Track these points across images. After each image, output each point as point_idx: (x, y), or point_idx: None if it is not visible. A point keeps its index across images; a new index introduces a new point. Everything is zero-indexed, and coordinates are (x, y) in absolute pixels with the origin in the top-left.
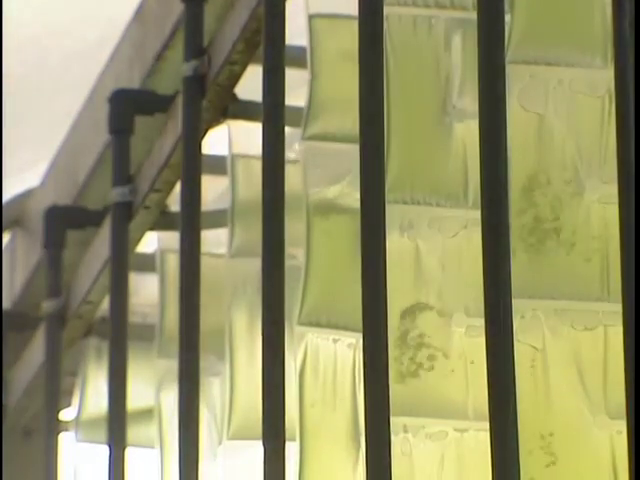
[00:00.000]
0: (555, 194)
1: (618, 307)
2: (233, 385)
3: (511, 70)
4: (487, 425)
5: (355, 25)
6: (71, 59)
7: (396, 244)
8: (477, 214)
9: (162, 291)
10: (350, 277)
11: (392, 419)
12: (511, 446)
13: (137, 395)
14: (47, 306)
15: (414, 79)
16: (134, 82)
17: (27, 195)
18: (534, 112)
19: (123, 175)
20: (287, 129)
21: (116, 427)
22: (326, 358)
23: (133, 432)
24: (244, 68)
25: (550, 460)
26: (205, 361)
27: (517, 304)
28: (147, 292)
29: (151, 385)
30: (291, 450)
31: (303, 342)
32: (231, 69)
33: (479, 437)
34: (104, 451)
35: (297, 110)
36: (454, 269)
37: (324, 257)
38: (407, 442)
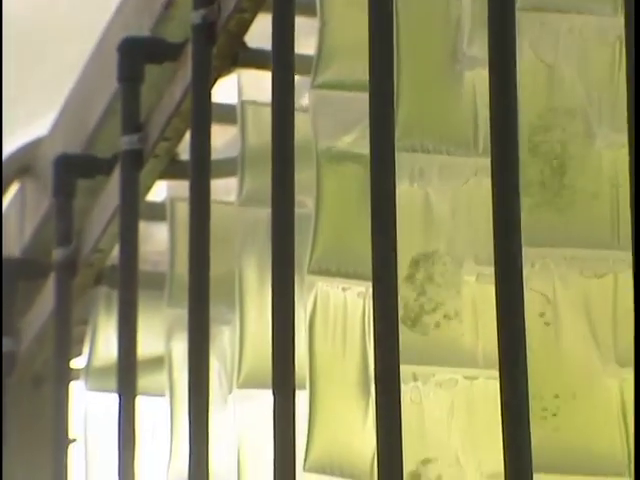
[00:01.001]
0: (565, 142)
1: (628, 255)
2: (243, 333)
3: (521, 17)
4: (497, 373)
5: None
6: (80, 5)
7: (406, 192)
8: (487, 162)
9: (172, 240)
10: (360, 225)
11: (402, 367)
12: (521, 393)
13: (147, 344)
14: (57, 254)
15: (424, 26)
16: (143, 30)
17: (36, 144)
18: (544, 59)
19: (132, 123)
20: (297, 77)
21: (126, 375)
22: (336, 306)
23: (143, 380)
24: (254, 15)
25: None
26: (215, 310)
27: (527, 252)
28: (157, 240)
29: (161, 334)
30: (301, 398)
31: (313, 291)
32: (241, 17)
33: (489, 385)
34: (114, 399)
35: (307, 58)
36: (464, 217)
37: (334, 205)
38: (417, 390)
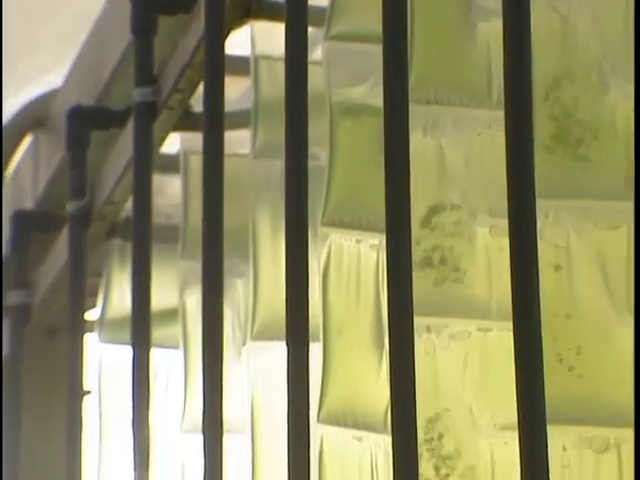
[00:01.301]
0: (579, 92)
1: None
2: (257, 286)
3: None
4: (511, 325)
5: None
6: None
7: (420, 144)
8: (501, 114)
9: (185, 192)
10: (374, 177)
11: (415, 319)
12: (535, 345)
13: (161, 296)
14: (70, 207)
15: None
16: None
17: (50, 96)
18: (559, 10)
19: (146, 75)
20: (310, 29)
21: (140, 328)
22: (350, 258)
23: (157, 333)
24: None
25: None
26: (229, 262)
27: (540, 204)
28: (170, 193)
29: (175, 286)
30: (315, 350)
31: (327, 242)
32: None
33: (503, 337)
34: (128, 351)
35: (320, 10)
36: (478, 169)
37: (348, 157)
38: (431, 342)
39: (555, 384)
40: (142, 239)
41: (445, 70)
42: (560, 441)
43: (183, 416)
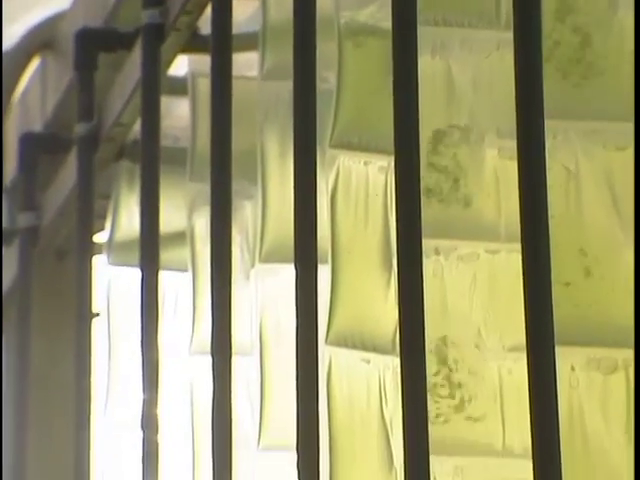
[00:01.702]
0: (590, 12)
1: None
2: (265, 208)
3: None
4: (519, 246)
5: None
6: None
7: (428, 66)
8: (510, 35)
9: (194, 115)
10: (382, 99)
11: (424, 241)
12: (543, 265)
13: (169, 218)
14: (79, 129)
15: None
16: None
17: (57, 18)
18: None
19: None
20: None
21: (149, 250)
22: (358, 181)
23: (165, 255)
24: None
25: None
26: (237, 184)
27: (549, 124)
28: (177, 116)
29: (183, 208)
30: (323, 272)
31: (335, 165)
32: None
33: (511, 258)
34: (137, 274)
35: None
36: (486, 90)
37: (356, 79)
38: (439, 264)
39: (563, 305)
40: (150, 161)
41: None
42: (568, 362)
43: (191, 338)
